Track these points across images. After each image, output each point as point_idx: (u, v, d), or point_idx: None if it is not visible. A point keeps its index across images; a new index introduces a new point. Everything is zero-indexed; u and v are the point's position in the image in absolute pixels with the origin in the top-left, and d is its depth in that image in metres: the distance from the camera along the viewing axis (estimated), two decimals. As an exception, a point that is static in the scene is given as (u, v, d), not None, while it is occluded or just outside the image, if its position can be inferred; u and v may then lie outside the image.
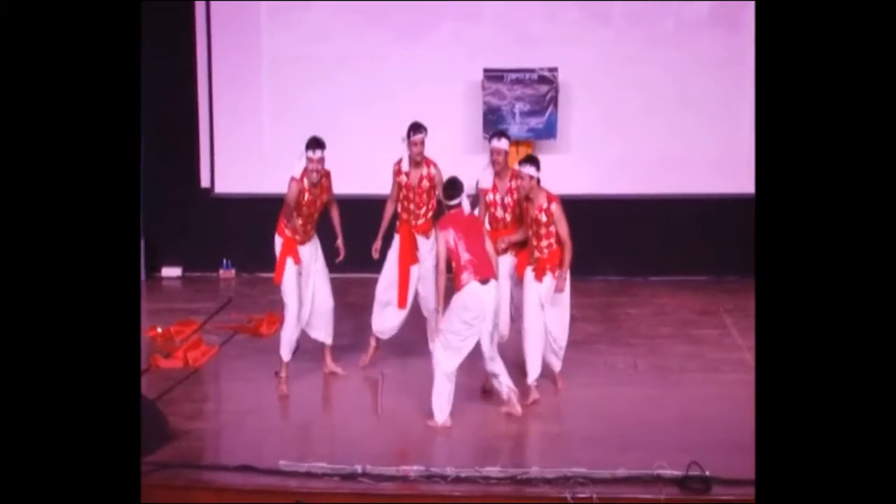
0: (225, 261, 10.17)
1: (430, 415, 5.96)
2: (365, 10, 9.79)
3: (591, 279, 8.93)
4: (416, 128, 6.85)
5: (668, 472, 5.23)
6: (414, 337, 7.14)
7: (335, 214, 6.84)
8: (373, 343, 7.02)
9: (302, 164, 6.55)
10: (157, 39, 9.06)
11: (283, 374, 6.63)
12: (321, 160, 6.57)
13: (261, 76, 9.99)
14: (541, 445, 5.86)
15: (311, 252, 6.74)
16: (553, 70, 9.50)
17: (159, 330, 7.78)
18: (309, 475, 5.29)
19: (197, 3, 9.89)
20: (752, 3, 9.75)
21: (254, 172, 10.04)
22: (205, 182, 10.15)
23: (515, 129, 9.55)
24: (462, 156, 9.33)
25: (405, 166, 6.91)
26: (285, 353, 6.62)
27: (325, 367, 6.90)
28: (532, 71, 9.50)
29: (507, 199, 6.58)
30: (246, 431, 5.98)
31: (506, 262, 6.50)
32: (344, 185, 9.81)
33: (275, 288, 9.50)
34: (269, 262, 10.13)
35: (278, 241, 6.68)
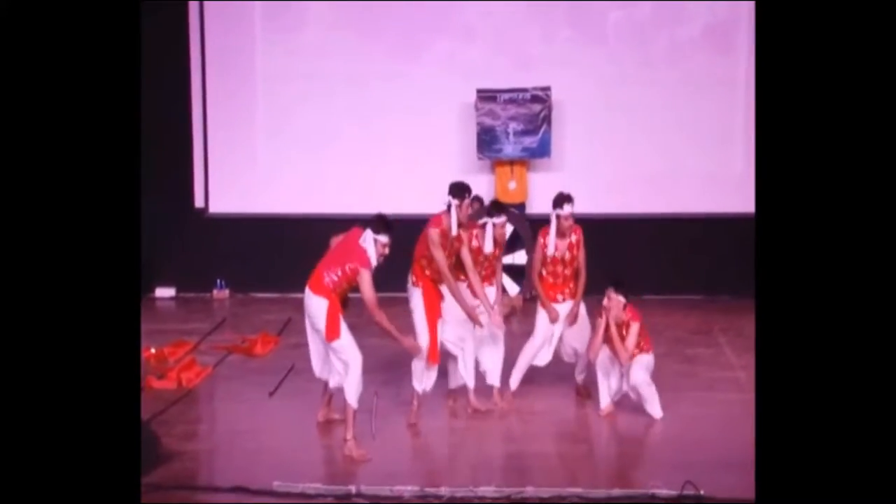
0: (219, 281, 10.16)
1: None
2: (359, 30, 9.85)
3: (584, 298, 8.94)
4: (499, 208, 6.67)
5: (662, 491, 5.22)
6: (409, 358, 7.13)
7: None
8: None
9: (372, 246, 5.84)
10: (151, 58, 9.08)
11: (349, 436, 5.87)
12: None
13: (255, 96, 10.03)
14: (536, 465, 5.85)
15: None
16: (546, 89, 9.56)
17: (153, 351, 7.76)
18: (303, 496, 5.27)
19: (191, 21, 9.94)
20: (745, 26, 9.92)
21: (248, 192, 10.07)
22: (199, 202, 10.17)
23: (509, 148, 9.60)
24: (456, 176, 9.32)
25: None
26: (353, 399, 5.86)
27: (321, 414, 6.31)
28: (525, 91, 9.55)
29: (567, 255, 6.73)
30: (240, 452, 5.95)
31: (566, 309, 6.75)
32: (338, 204, 9.90)
33: (269, 307, 9.63)
34: (263, 282, 10.20)
35: (321, 303, 5.84)
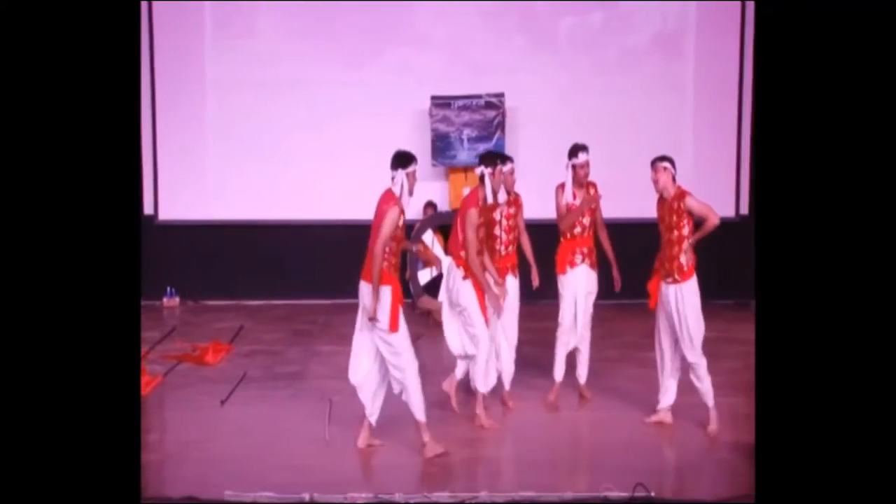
0: (169, 289, 10.04)
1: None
2: (311, 36, 9.82)
3: (538, 303, 8.96)
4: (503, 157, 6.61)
5: (614, 494, 5.25)
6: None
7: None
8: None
9: (399, 182, 5.88)
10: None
11: (426, 438, 5.86)
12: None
13: (205, 102, 9.94)
14: (489, 470, 5.85)
15: None
16: (500, 96, 9.60)
17: (101, 359, 7.64)
18: (255, 505, 5.21)
19: (140, 26, 9.83)
20: (693, 33, 10.01)
21: (198, 199, 9.97)
22: (148, 209, 10.04)
23: (464, 155, 9.61)
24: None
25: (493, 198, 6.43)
26: (420, 412, 5.84)
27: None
28: (479, 97, 9.59)
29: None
30: (190, 462, 5.88)
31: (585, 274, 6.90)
32: (290, 211, 9.85)
33: (220, 315, 9.52)
34: (214, 290, 10.07)
35: (385, 291, 5.68)
